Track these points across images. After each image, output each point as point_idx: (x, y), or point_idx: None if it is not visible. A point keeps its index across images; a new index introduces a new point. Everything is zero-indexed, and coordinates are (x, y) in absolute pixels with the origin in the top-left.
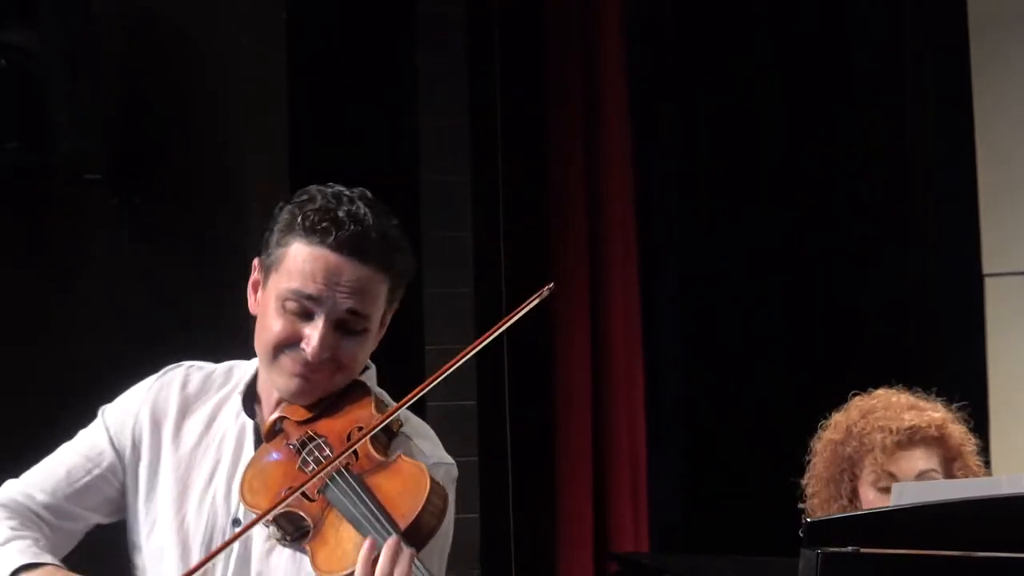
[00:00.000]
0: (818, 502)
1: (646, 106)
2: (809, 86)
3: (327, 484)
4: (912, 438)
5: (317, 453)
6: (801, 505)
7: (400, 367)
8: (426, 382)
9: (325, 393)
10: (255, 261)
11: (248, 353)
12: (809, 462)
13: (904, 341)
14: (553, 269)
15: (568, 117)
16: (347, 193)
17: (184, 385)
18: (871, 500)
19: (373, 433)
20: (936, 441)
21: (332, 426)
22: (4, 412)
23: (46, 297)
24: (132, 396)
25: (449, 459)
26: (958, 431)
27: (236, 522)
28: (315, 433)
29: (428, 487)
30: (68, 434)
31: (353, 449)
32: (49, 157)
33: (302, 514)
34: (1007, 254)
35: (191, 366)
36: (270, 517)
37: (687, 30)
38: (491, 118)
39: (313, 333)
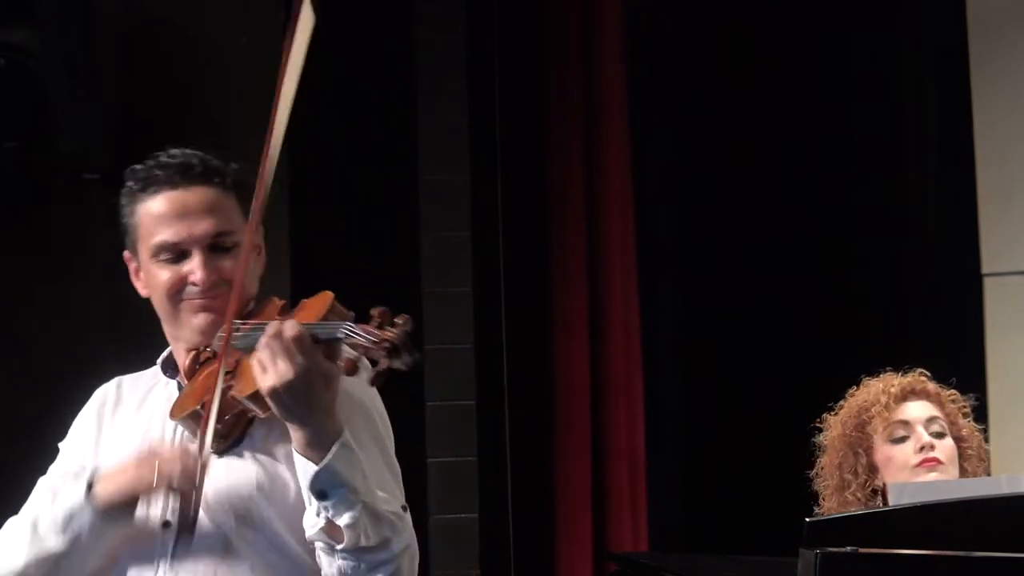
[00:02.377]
0: (830, 492)
1: (646, 107)
2: (809, 86)
3: (239, 339)
4: (912, 389)
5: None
6: (817, 510)
7: None
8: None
9: (234, 316)
10: (126, 254)
11: None
12: (816, 464)
13: (904, 341)
14: (552, 269)
15: (568, 117)
16: (163, 152)
17: (118, 386)
18: (889, 457)
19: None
20: (932, 396)
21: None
22: (3, 410)
23: (45, 295)
24: (79, 418)
25: None
26: (948, 392)
27: None
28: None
29: (331, 298)
30: (63, 431)
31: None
32: (49, 157)
33: (232, 395)
34: (1006, 254)
35: (121, 376)
36: (199, 407)
37: (687, 30)
38: (491, 118)
39: (193, 266)
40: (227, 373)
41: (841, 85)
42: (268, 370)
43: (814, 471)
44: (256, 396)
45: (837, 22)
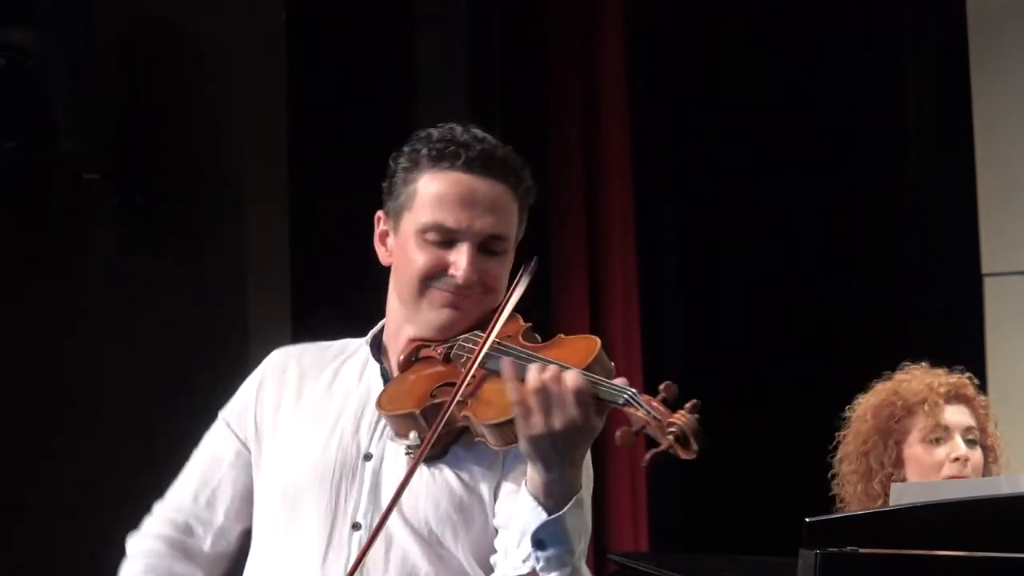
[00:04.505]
0: (855, 478)
1: (646, 107)
2: (808, 86)
3: (487, 358)
4: (957, 392)
5: (470, 344)
6: (832, 492)
7: None
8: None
9: (474, 322)
10: (378, 214)
11: (249, 352)
12: (837, 447)
13: (904, 341)
14: (552, 269)
15: (568, 117)
16: (460, 125)
17: (300, 358)
18: (920, 457)
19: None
20: (972, 402)
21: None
22: (3, 410)
23: (45, 296)
24: (246, 385)
25: None
26: (983, 399)
27: (367, 457)
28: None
29: (598, 346)
30: (65, 431)
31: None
32: (49, 157)
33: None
34: (1007, 254)
35: (302, 345)
36: (419, 411)
37: (687, 30)
38: (491, 118)
39: (460, 258)
40: (450, 384)
41: (841, 85)
42: (535, 416)
43: (834, 444)
44: (497, 428)
45: (837, 22)
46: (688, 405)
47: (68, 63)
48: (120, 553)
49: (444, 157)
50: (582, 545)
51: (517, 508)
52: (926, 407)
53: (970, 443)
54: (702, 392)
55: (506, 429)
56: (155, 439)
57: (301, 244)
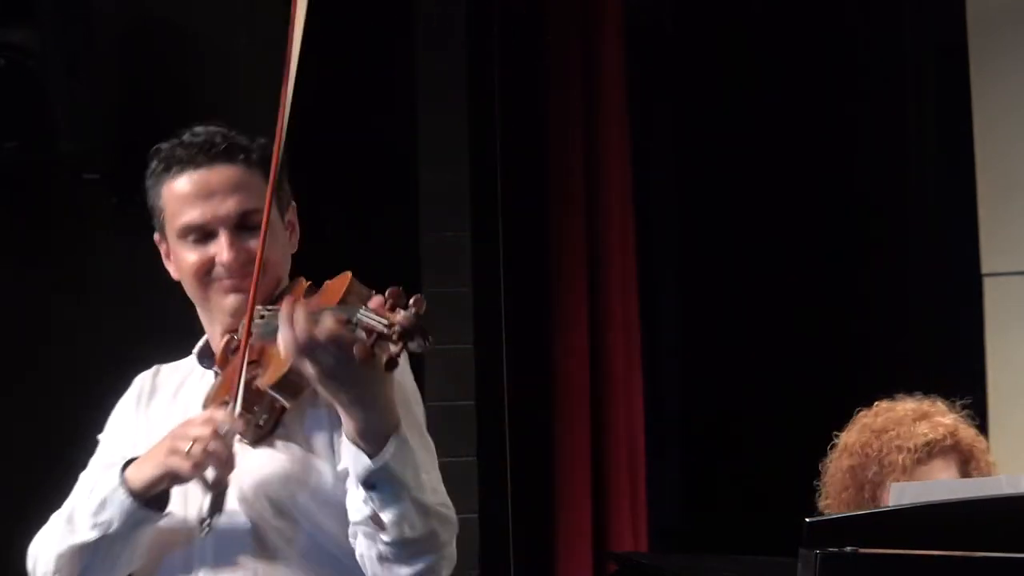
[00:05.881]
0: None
1: (646, 106)
2: (808, 86)
3: (259, 327)
4: (931, 452)
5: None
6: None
7: None
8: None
9: (266, 297)
10: (156, 236)
11: None
12: (821, 485)
13: (904, 342)
14: (552, 269)
15: (568, 117)
16: (187, 128)
17: (155, 375)
18: None
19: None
20: (952, 449)
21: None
22: (4, 409)
23: (45, 296)
24: (118, 408)
25: None
26: (969, 434)
27: None
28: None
29: (349, 280)
30: (65, 431)
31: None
32: (49, 157)
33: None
34: (1007, 254)
35: (161, 365)
36: (239, 404)
37: (687, 30)
38: (490, 118)
39: (220, 249)
40: (252, 363)
41: (841, 85)
42: (308, 367)
43: (821, 500)
44: (279, 386)
45: (837, 22)
46: (411, 302)
47: (68, 63)
48: None
49: (172, 163)
50: (421, 476)
51: (345, 453)
52: (897, 476)
53: None
54: (702, 392)
55: (286, 382)
56: None
57: (301, 243)
